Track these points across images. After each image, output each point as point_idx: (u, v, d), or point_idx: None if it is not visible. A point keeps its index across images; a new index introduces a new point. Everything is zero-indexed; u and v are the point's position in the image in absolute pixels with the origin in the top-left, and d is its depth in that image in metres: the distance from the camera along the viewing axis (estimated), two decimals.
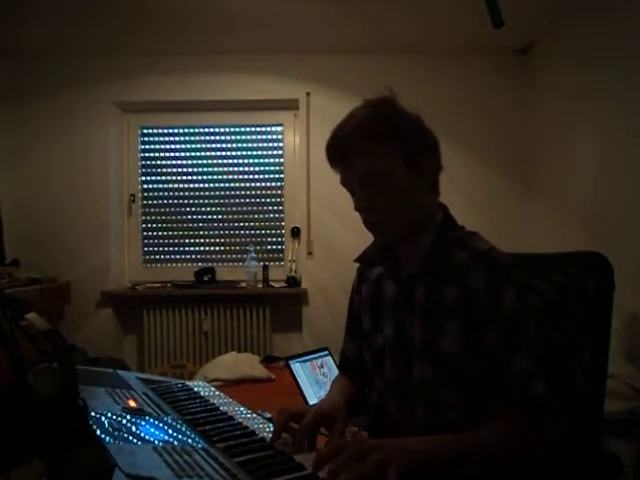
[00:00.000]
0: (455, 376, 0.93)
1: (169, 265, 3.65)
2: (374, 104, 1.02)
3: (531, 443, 0.87)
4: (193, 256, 3.64)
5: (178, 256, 3.64)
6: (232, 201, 3.62)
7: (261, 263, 3.47)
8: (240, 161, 3.63)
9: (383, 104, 1.01)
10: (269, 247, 3.63)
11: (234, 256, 3.61)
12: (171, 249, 3.65)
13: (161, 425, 0.86)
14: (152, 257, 3.66)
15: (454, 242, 0.99)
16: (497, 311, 0.91)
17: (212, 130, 3.65)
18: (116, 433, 0.76)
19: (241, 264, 3.51)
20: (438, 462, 0.77)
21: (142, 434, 0.79)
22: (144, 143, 3.68)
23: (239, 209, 3.62)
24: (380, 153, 0.97)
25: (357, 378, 1.16)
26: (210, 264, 3.58)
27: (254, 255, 3.43)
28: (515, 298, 0.91)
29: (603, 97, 2.60)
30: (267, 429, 0.94)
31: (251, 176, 3.63)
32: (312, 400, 1.86)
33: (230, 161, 3.63)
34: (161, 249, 3.66)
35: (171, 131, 3.67)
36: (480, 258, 0.95)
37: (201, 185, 3.63)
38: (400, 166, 0.98)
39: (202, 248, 3.64)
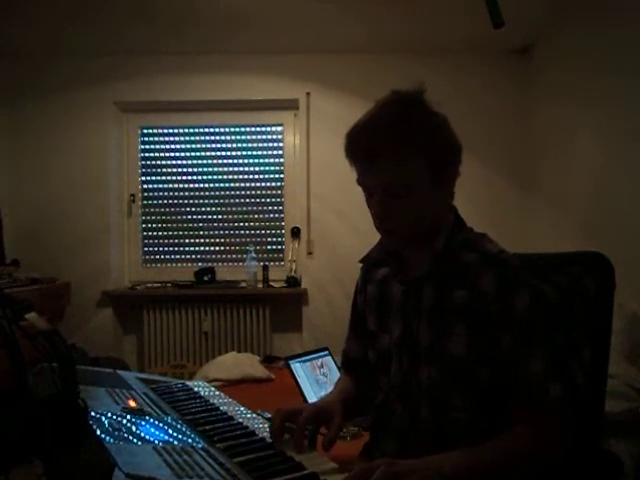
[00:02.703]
0: (462, 379, 0.93)
1: (169, 265, 3.65)
2: (405, 103, 0.97)
3: (551, 445, 0.88)
4: (193, 256, 3.64)
5: (178, 256, 3.64)
6: (232, 201, 3.62)
7: (261, 263, 3.47)
8: (240, 161, 3.63)
9: (414, 105, 0.98)
10: (269, 247, 3.63)
11: (234, 256, 3.61)
12: (171, 249, 3.65)
13: (161, 425, 0.86)
14: (152, 257, 3.66)
15: (463, 244, 0.99)
16: (510, 315, 0.90)
17: (212, 130, 3.65)
18: (116, 433, 0.76)
19: (241, 264, 3.51)
20: (468, 479, 0.79)
21: (142, 434, 0.79)
22: (144, 143, 3.68)
23: (239, 209, 3.62)
24: (408, 165, 0.93)
25: (360, 378, 1.15)
26: (210, 264, 3.58)
27: (254, 255, 3.43)
28: (527, 301, 0.91)
29: (603, 97, 2.60)
30: (267, 429, 0.94)
31: (251, 176, 3.63)
32: (312, 400, 1.86)
33: (230, 161, 3.63)
34: (161, 249, 3.66)
35: (171, 131, 3.67)
36: (490, 260, 0.94)
37: (201, 185, 3.63)
38: (426, 178, 0.95)
39: (202, 248, 3.64)
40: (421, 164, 0.94)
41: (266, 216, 3.63)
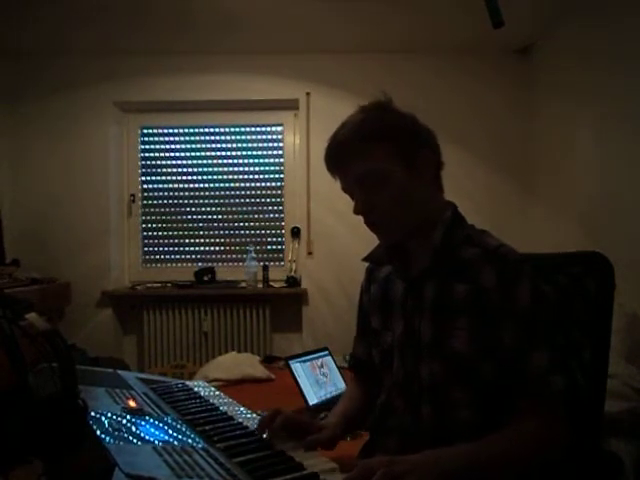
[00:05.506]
0: (465, 374, 0.93)
1: (169, 265, 3.65)
2: (367, 109, 1.03)
3: (554, 438, 0.88)
4: (193, 256, 3.63)
5: (178, 256, 3.64)
6: (232, 201, 3.62)
7: (261, 263, 3.47)
8: (240, 161, 3.63)
9: (376, 108, 1.03)
10: (269, 247, 3.63)
11: (234, 256, 3.61)
12: (171, 249, 3.65)
13: (161, 425, 0.86)
14: (152, 257, 3.66)
15: (463, 239, 0.99)
16: (512, 308, 0.91)
17: (212, 130, 3.64)
18: (116, 433, 0.76)
19: (241, 264, 3.51)
20: (471, 474, 0.79)
21: (142, 434, 0.78)
22: (144, 143, 3.67)
23: (239, 209, 3.62)
24: (375, 154, 0.98)
25: (369, 379, 1.16)
26: (210, 264, 3.58)
27: (254, 255, 3.43)
28: (529, 294, 0.91)
29: (603, 97, 2.60)
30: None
31: (251, 176, 3.62)
32: (312, 400, 1.86)
33: (230, 161, 3.63)
34: (161, 249, 3.65)
35: (171, 131, 3.67)
36: (490, 254, 0.95)
37: (201, 185, 3.63)
38: (396, 165, 0.98)
39: (202, 248, 3.64)
40: (388, 150, 0.98)
41: (266, 216, 3.63)
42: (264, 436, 0.90)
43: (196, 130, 3.64)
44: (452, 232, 1.00)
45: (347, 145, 1.00)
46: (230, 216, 3.63)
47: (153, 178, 3.67)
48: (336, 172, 1.04)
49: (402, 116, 1.02)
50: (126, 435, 0.76)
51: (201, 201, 3.63)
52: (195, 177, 3.63)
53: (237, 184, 3.62)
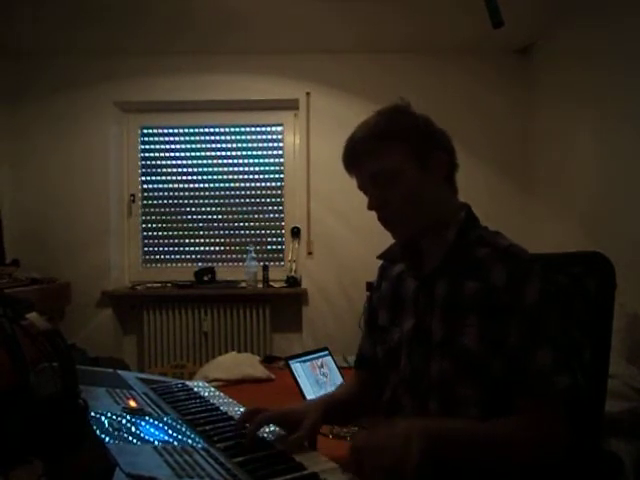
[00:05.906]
0: (474, 371, 0.94)
1: (169, 265, 3.65)
2: (383, 112, 1.06)
3: (551, 438, 0.88)
4: (193, 256, 3.64)
5: (178, 256, 3.64)
6: (232, 201, 3.62)
7: (261, 263, 3.47)
8: (240, 161, 3.63)
9: (391, 111, 1.06)
10: (269, 247, 3.63)
11: (234, 256, 3.61)
12: (171, 249, 3.65)
13: (161, 425, 0.86)
14: (152, 257, 3.66)
15: (476, 240, 1.01)
16: (519, 307, 0.92)
17: (212, 130, 3.64)
18: (116, 433, 0.76)
19: (241, 264, 3.51)
20: (456, 444, 0.83)
21: (142, 434, 0.79)
22: (144, 143, 3.68)
23: (239, 209, 3.62)
24: (389, 153, 1.01)
25: (369, 378, 1.16)
26: (210, 264, 3.58)
27: (254, 255, 3.43)
28: (538, 293, 0.92)
29: (603, 97, 2.60)
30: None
31: (251, 176, 3.62)
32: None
33: (230, 161, 3.63)
34: (161, 249, 3.66)
35: (171, 131, 3.67)
36: (501, 253, 0.97)
37: (201, 185, 3.63)
38: (409, 164, 1.01)
39: (202, 248, 3.64)
40: (402, 149, 1.01)
41: (266, 216, 3.63)
42: (246, 426, 0.91)
43: (196, 130, 3.64)
44: (465, 232, 1.02)
45: (362, 144, 1.04)
46: (230, 216, 3.62)
47: (153, 178, 3.67)
48: (352, 170, 1.07)
49: (416, 118, 1.05)
50: (126, 435, 0.76)
51: (201, 201, 3.63)
52: (195, 177, 3.63)
53: (237, 184, 3.62)
